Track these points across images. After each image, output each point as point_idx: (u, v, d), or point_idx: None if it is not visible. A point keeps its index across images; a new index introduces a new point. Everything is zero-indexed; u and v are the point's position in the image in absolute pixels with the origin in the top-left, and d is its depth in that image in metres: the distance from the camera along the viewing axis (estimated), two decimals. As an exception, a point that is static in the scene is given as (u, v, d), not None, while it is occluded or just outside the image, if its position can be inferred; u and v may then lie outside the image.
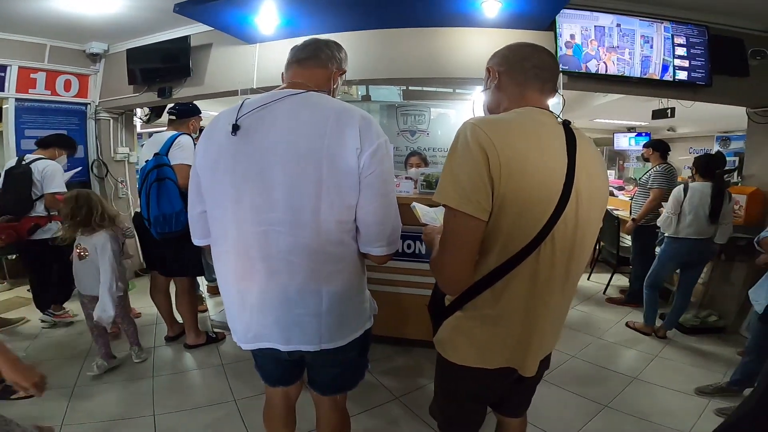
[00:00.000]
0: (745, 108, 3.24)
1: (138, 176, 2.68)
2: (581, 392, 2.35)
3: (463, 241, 0.85)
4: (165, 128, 2.65)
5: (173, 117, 2.62)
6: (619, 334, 3.16)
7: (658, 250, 3.24)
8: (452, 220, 0.85)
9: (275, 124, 0.95)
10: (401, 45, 3.04)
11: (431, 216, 1.27)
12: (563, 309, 1.03)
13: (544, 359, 1.05)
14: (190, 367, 2.54)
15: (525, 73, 0.93)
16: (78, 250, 2.28)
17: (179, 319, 2.78)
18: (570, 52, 2.90)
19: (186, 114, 2.64)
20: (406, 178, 2.65)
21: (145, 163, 2.39)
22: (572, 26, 2.86)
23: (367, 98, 4.42)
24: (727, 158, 4.45)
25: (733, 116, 3.42)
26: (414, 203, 1.36)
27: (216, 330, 2.89)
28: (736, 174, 4.16)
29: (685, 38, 2.91)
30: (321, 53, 1.07)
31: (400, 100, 4.48)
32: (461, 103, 4.43)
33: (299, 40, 1.12)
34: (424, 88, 4.32)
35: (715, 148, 6.35)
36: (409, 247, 2.51)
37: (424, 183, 2.59)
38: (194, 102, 2.96)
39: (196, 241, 1.14)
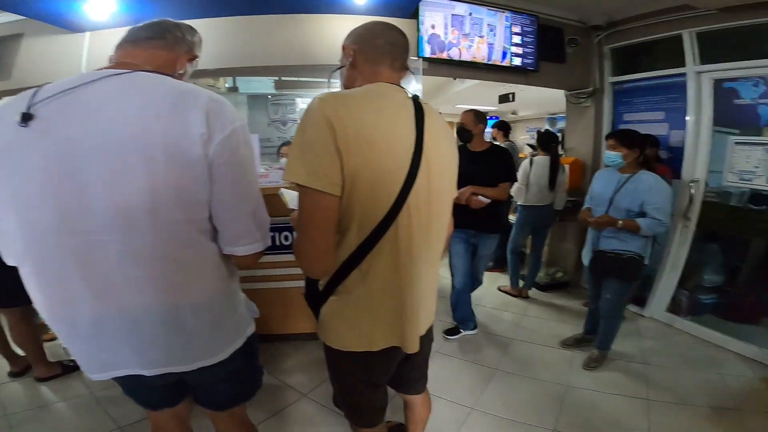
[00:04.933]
0: (563, 91, 3.77)
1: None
2: (474, 359, 2.52)
3: (318, 220, 0.84)
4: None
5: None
6: (494, 299, 3.47)
7: (512, 218, 3.60)
8: (304, 198, 0.83)
9: (87, 110, 0.77)
10: (271, 32, 2.86)
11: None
12: (431, 280, 1.05)
13: (427, 333, 1.09)
14: (51, 400, 2.10)
15: (377, 50, 0.94)
16: None
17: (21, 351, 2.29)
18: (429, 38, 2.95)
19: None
20: (278, 168, 2.60)
21: None
22: (433, 15, 2.92)
23: (234, 90, 4.27)
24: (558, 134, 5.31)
25: (559, 99, 3.99)
26: (281, 189, 1.33)
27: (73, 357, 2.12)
28: (560, 147, 4.96)
29: (520, 27, 3.18)
30: (168, 34, 0.94)
31: (273, 91, 4.37)
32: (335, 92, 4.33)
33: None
34: (300, 78, 4.17)
35: (545, 127, 7.55)
36: (286, 238, 2.40)
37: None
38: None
39: (9, 261, 0.88)
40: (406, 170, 0.86)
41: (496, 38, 3.12)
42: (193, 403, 1.17)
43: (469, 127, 2.46)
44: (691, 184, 2.83)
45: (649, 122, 3.13)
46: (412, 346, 1.00)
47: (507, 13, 3.11)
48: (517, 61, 3.22)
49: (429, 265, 1.00)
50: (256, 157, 2.41)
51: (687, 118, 2.85)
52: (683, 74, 2.83)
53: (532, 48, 3.23)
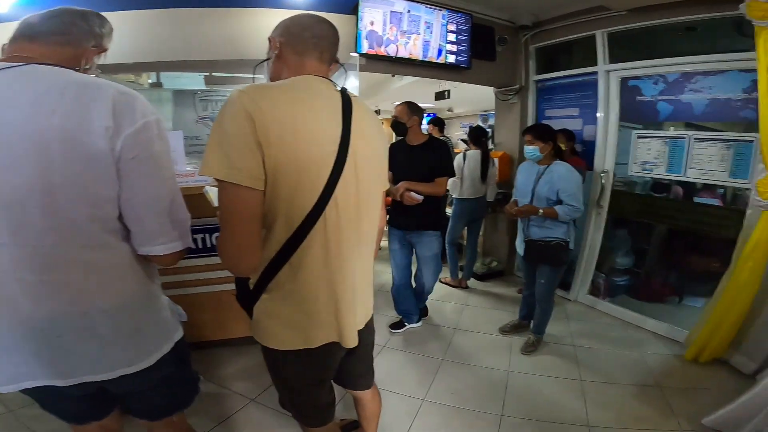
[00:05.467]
0: (493, 89, 3.95)
1: None
2: (420, 351, 2.57)
3: (239, 215, 0.81)
4: None
5: None
6: (436, 291, 3.48)
7: (449, 211, 3.71)
8: (223, 193, 0.80)
9: None
10: (200, 26, 2.69)
11: None
12: (365, 273, 1.05)
13: (366, 327, 1.09)
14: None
15: (304, 43, 0.94)
16: None
17: None
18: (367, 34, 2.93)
19: None
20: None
21: None
22: (373, 11, 2.90)
23: (157, 85, 3.94)
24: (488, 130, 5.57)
25: (491, 96, 4.18)
26: (206, 188, 1.29)
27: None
28: (490, 142, 5.22)
29: (455, 25, 3.25)
30: (73, 28, 0.87)
31: (203, 87, 4.06)
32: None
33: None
34: (234, 75, 3.91)
35: (478, 123, 7.92)
36: (218, 240, 2.10)
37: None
38: None
39: None
40: (332, 163, 0.86)
41: (432, 36, 3.17)
42: (123, 415, 1.11)
43: (403, 120, 2.40)
44: (602, 175, 3.10)
45: (566, 118, 3.39)
46: (351, 341, 1.00)
47: (444, 11, 3.17)
48: (452, 59, 3.30)
49: (361, 257, 1.00)
50: (180, 155, 2.23)
51: (598, 114, 3.12)
52: (595, 73, 3.09)
53: (465, 46, 3.33)
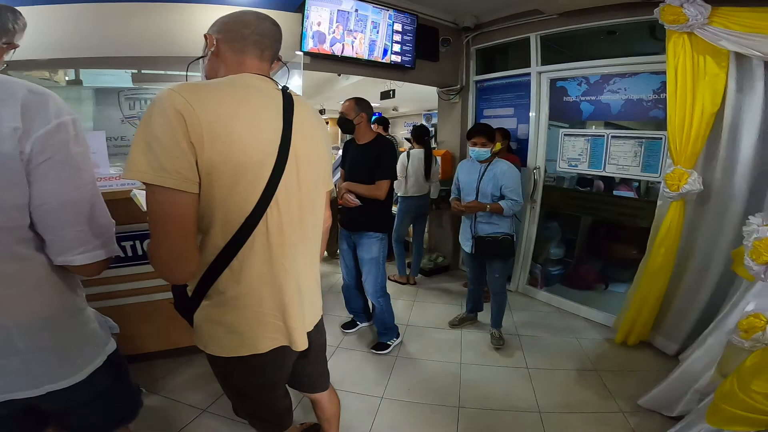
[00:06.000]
0: (436, 88, 4.06)
1: None
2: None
3: (171, 221, 0.77)
4: None
5: None
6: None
7: (395, 209, 3.75)
8: (151, 197, 0.76)
9: None
10: (129, 20, 2.46)
11: None
12: (311, 275, 1.04)
13: (316, 328, 1.08)
14: None
15: (244, 40, 0.91)
16: None
17: None
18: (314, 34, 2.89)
19: None
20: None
21: None
22: (320, 10, 2.84)
23: (76, 83, 3.70)
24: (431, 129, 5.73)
25: (434, 96, 4.28)
26: (133, 191, 1.24)
27: None
28: (433, 140, 5.38)
29: (402, 26, 3.29)
30: None
31: (130, 85, 3.81)
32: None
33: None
34: (167, 72, 3.70)
35: (423, 122, 8.09)
36: (148, 246, 1.98)
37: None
38: None
39: None
40: (272, 164, 0.84)
41: (379, 35, 3.18)
42: None
43: (350, 117, 2.30)
44: (534, 171, 3.31)
45: (502, 117, 3.56)
46: (301, 344, 0.99)
47: (391, 12, 3.19)
48: (397, 59, 3.33)
49: (307, 259, 0.99)
50: (103, 157, 2.09)
51: (530, 113, 3.32)
52: (528, 74, 3.28)
53: (410, 46, 3.37)
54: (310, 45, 2.86)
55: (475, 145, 2.42)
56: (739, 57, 2.09)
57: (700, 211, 2.39)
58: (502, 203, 2.38)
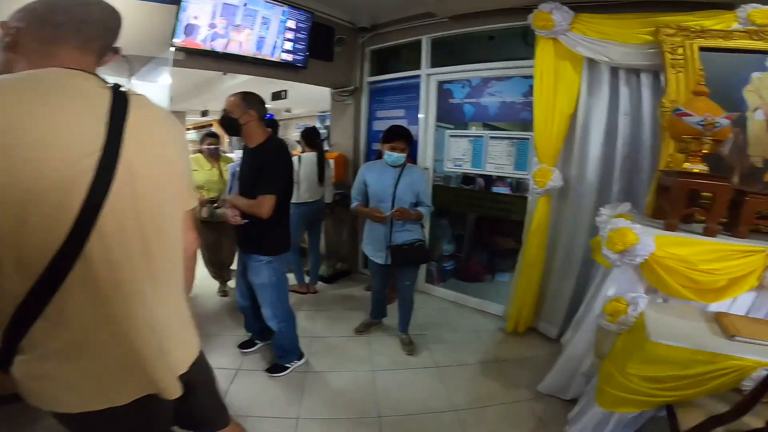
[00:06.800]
0: (329, 89, 3.96)
1: None
2: None
3: None
4: None
5: None
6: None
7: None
8: None
9: None
10: None
11: None
12: (171, 312, 0.87)
13: (192, 368, 0.92)
14: None
15: (58, 29, 0.75)
16: None
17: None
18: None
19: None
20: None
21: None
22: (201, 2, 2.55)
23: None
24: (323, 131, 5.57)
25: (329, 97, 4.14)
26: None
27: None
28: (326, 143, 5.23)
29: (295, 23, 3.12)
30: None
31: None
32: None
33: None
34: None
35: (317, 124, 7.82)
36: None
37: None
38: None
39: None
40: (85, 183, 0.66)
41: (269, 32, 2.97)
42: None
43: (234, 115, 1.92)
44: (424, 171, 3.43)
45: (393, 118, 3.62)
46: (172, 391, 0.84)
47: (285, 8, 3.00)
48: (288, 57, 3.16)
49: (161, 296, 0.83)
50: None
51: (419, 115, 3.45)
52: (419, 76, 3.40)
53: (303, 45, 3.22)
54: (182, 39, 2.56)
55: (393, 149, 2.32)
56: (591, 62, 2.44)
57: (562, 205, 2.72)
58: (421, 209, 2.36)
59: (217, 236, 3.08)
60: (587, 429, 1.66)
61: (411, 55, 3.48)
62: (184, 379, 0.88)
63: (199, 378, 0.97)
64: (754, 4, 1.97)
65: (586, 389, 1.84)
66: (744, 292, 1.55)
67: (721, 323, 1.44)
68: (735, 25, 2.00)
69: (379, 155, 3.13)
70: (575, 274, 2.65)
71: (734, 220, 1.64)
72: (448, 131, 3.31)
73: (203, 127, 8.33)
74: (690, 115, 1.65)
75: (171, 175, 0.84)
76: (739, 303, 1.60)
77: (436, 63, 3.35)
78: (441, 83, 3.34)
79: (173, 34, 2.52)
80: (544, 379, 2.13)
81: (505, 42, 3.10)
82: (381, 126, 3.62)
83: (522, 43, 2.85)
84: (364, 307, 3.00)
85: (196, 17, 2.58)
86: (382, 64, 3.86)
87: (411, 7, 3.21)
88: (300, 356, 2.36)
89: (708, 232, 1.61)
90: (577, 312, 2.22)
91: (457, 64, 3.22)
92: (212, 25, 2.67)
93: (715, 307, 1.59)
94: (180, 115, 7.98)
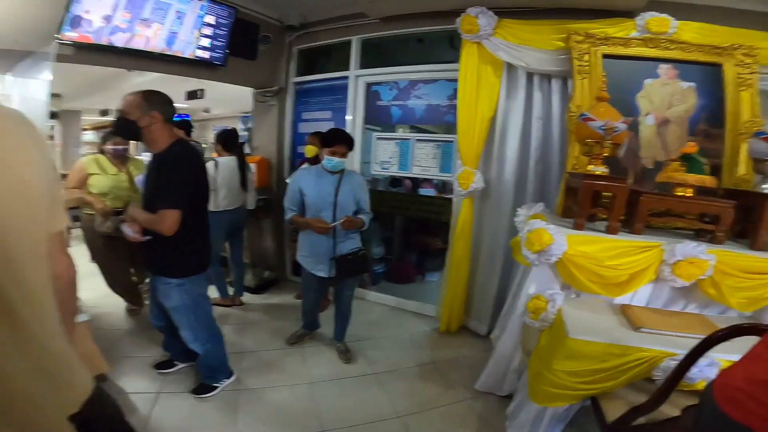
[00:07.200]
0: (251, 89, 3.71)
1: None
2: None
3: None
4: None
5: None
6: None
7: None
8: None
9: None
10: None
11: None
12: (42, 352, 0.72)
13: (88, 405, 0.78)
14: None
15: None
16: None
17: None
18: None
19: None
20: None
21: None
22: None
23: None
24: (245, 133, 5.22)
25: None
26: None
27: None
28: (247, 146, 4.90)
29: (215, 18, 2.87)
30: None
31: None
32: None
33: None
34: None
35: (239, 126, 7.30)
36: None
37: None
38: None
39: None
40: None
41: (182, 27, 2.71)
42: None
43: (132, 117, 1.65)
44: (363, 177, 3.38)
45: (320, 120, 3.50)
46: None
47: (204, 2, 2.73)
48: (204, 55, 2.91)
49: (22, 336, 0.68)
50: None
51: (347, 116, 3.36)
52: (347, 77, 3.31)
53: (223, 42, 2.97)
54: (72, 33, 2.29)
55: (334, 154, 2.17)
56: (510, 67, 2.55)
57: (484, 206, 2.82)
58: (363, 217, 2.26)
59: (128, 253, 2.63)
60: (526, 424, 1.71)
61: (340, 55, 3.39)
62: (77, 420, 0.75)
63: (95, 415, 0.82)
64: (653, 13, 2.16)
65: (518, 385, 1.91)
66: (643, 285, 1.70)
67: (627, 315, 1.56)
68: (633, 33, 2.18)
69: (304, 160, 2.97)
70: (499, 273, 2.76)
71: (631, 218, 1.80)
72: (376, 134, 3.27)
73: (104, 127, 7.40)
74: (594, 120, 1.78)
75: (25, 193, 0.69)
76: (639, 295, 1.75)
77: (365, 64, 3.30)
78: (369, 85, 3.29)
79: (59, 28, 2.26)
80: (480, 377, 2.17)
81: (433, 45, 3.14)
82: (307, 128, 3.49)
83: (449, 47, 2.91)
84: (296, 317, 2.83)
85: (87, 11, 2.29)
86: (310, 65, 3.70)
87: (343, 7, 3.13)
88: (229, 374, 2.15)
89: (610, 230, 1.74)
90: (503, 309, 2.30)
91: (385, 66, 3.20)
92: (108, 18, 2.36)
93: (619, 300, 1.73)
94: (74, 114, 6.99)
